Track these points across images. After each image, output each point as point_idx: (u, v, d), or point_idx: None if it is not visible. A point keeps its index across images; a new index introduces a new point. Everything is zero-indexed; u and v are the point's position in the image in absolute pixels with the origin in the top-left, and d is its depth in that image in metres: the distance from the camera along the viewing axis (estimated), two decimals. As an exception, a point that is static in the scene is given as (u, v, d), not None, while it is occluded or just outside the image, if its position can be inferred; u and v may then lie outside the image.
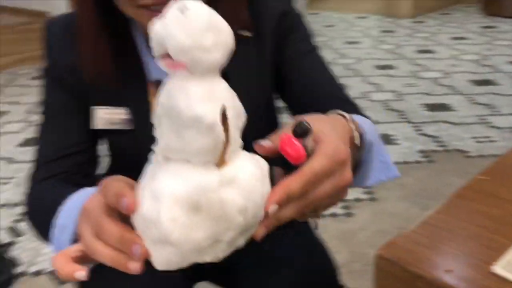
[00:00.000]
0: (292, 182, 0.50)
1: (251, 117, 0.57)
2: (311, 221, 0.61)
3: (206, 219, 0.45)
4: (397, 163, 2.32)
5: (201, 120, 0.43)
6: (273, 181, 0.51)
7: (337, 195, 0.55)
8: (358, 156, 0.65)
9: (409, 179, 2.24)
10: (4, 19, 4.82)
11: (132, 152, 0.81)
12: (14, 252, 1.97)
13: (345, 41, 4.83)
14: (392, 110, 3.06)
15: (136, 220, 0.47)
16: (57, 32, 0.85)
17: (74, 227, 0.61)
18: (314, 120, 0.55)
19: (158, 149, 0.48)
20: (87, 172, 0.85)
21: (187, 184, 0.44)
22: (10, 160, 2.74)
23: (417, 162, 2.41)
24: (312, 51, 0.90)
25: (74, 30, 0.80)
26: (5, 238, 2.01)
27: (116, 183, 0.49)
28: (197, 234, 0.45)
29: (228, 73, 0.67)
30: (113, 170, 0.91)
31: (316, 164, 0.51)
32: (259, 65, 0.85)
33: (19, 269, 1.90)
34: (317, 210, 0.56)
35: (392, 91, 3.38)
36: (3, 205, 2.29)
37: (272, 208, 0.49)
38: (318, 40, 0.93)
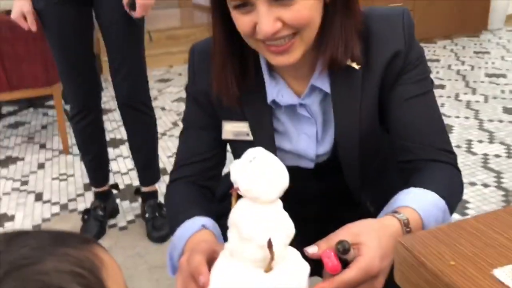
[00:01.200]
0: (326, 286, 0.66)
1: (356, 136, 0.89)
2: None
3: None
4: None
5: (254, 240, 0.62)
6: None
7: None
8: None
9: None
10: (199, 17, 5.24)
11: None
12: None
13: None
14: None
15: None
16: (198, 57, 0.99)
17: (178, 254, 0.83)
18: (362, 231, 0.70)
19: (227, 245, 0.68)
20: (212, 175, 1.02)
21: (242, 282, 0.64)
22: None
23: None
24: (422, 94, 0.91)
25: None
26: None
27: (198, 258, 0.69)
28: None
29: (332, 93, 0.90)
30: None
31: (346, 276, 0.66)
32: (364, 95, 0.90)
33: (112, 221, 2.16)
34: None
35: None
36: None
37: None
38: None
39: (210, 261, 0.70)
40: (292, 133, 0.97)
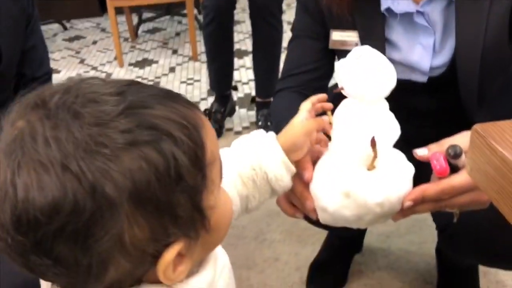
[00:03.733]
0: (429, 189, 0.64)
1: (479, 48, 0.83)
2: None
3: (352, 204, 0.64)
4: None
5: (360, 139, 0.62)
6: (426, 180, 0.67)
7: (475, 206, 0.67)
8: None
9: None
10: None
11: None
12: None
13: None
14: None
15: (311, 188, 0.68)
16: None
17: None
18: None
19: (331, 144, 0.69)
20: (318, 86, 0.99)
21: (344, 179, 0.64)
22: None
23: None
24: None
25: None
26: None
27: (305, 157, 0.68)
28: (345, 212, 0.65)
29: (457, 4, 0.83)
30: None
31: (455, 182, 0.63)
32: (495, 3, 0.81)
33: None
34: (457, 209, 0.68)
35: None
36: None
37: (407, 204, 0.65)
38: None
39: (315, 160, 0.71)
40: (405, 43, 0.90)
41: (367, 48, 0.66)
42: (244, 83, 2.68)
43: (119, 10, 3.16)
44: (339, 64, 0.67)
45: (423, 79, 0.92)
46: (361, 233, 1.43)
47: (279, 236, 1.56)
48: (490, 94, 0.91)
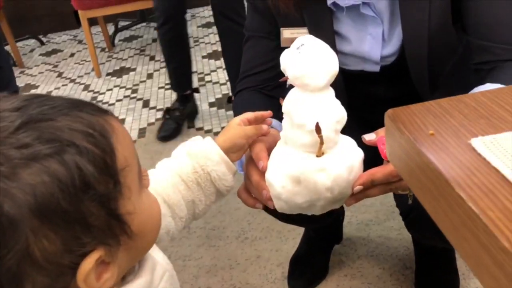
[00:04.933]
0: (377, 172, 0.65)
1: (425, 33, 0.82)
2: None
3: (304, 190, 0.66)
4: None
5: (305, 127, 0.64)
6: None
7: None
8: None
9: None
10: None
11: None
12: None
13: None
14: None
15: (266, 178, 0.69)
16: None
17: None
18: None
19: (282, 134, 0.70)
20: (277, 84, 0.96)
21: (294, 166, 0.65)
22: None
23: None
24: None
25: None
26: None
27: (259, 145, 0.72)
28: (297, 199, 0.67)
29: None
30: None
31: None
32: None
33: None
34: (409, 191, 0.68)
35: None
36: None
37: (357, 188, 0.66)
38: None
39: (271, 150, 0.72)
40: (354, 35, 0.91)
41: (309, 37, 0.67)
42: (222, 84, 2.68)
43: (94, 21, 3.15)
44: (283, 54, 0.67)
45: (375, 68, 0.93)
46: (338, 224, 1.43)
47: (260, 234, 1.57)
48: (442, 78, 0.92)
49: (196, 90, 2.39)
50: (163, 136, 2.20)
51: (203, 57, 3.07)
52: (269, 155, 0.71)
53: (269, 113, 0.78)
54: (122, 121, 2.46)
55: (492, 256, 0.27)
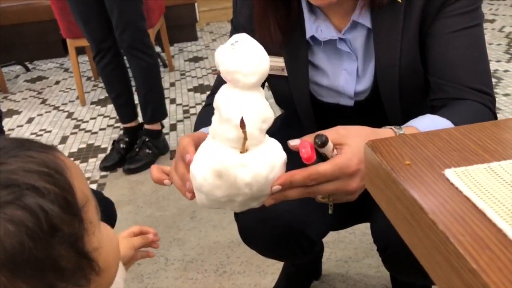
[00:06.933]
0: (296, 174, 0.67)
1: (396, 71, 0.87)
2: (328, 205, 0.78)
3: (224, 184, 0.67)
4: None
5: (231, 121, 0.65)
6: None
7: (342, 195, 0.71)
8: None
9: None
10: None
11: (285, 94, 0.99)
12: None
13: None
14: None
15: (190, 170, 0.70)
16: None
17: None
18: (349, 134, 0.70)
19: (210, 128, 0.70)
20: None
21: (217, 159, 0.67)
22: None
23: None
24: (466, 29, 0.85)
25: None
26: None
27: (187, 139, 0.74)
28: (217, 192, 0.68)
29: (374, 28, 0.89)
30: (277, 103, 1.09)
31: (321, 168, 0.67)
32: (405, 29, 0.87)
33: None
34: (328, 199, 0.72)
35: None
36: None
37: (275, 188, 0.68)
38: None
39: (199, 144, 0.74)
40: (330, 69, 0.95)
41: (244, 35, 0.68)
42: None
43: (81, 50, 3.17)
44: (218, 49, 0.68)
45: (350, 103, 0.96)
46: (317, 260, 1.43)
47: (239, 268, 1.55)
48: (415, 112, 0.95)
49: (141, 126, 2.39)
50: (104, 167, 2.25)
51: (189, 90, 3.10)
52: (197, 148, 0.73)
53: (153, 232, 0.87)
54: (104, 150, 2.46)
55: (462, 278, 0.29)
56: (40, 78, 3.58)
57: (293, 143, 0.70)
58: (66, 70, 3.70)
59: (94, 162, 2.34)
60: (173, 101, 2.94)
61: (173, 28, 3.53)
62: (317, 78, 0.96)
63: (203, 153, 0.69)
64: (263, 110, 0.67)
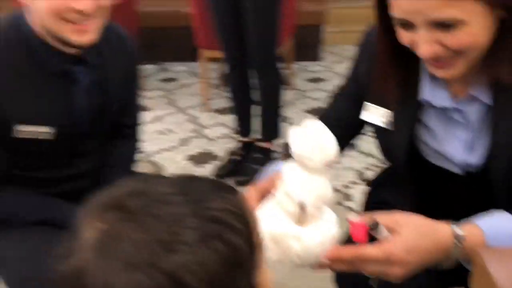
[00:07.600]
0: (344, 251, 0.76)
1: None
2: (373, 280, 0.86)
3: (278, 250, 0.76)
4: None
5: (293, 199, 0.74)
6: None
7: (385, 277, 0.75)
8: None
9: None
10: None
11: (386, 147, 1.02)
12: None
13: None
14: None
15: None
16: (371, 42, 1.01)
17: None
18: (404, 222, 0.75)
19: (276, 194, 0.78)
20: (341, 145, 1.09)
21: (277, 228, 0.76)
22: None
23: None
24: None
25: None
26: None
27: (252, 192, 0.83)
28: (270, 254, 0.76)
29: (495, 108, 0.86)
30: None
31: (367, 250, 0.73)
32: None
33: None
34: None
35: None
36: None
37: (324, 261, 0.77)
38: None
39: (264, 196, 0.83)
40: (441, 133, 0.94)
41: (318, 123, 0.76)
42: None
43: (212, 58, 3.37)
44: (292, 131, 0.76)
45: (457, 170, 0.94)
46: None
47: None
48: None
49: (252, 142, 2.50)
50: (218, 175, 2.40)
51: (307, 111, 3.15)
52: (263, 197, 0.82)
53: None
54: (217, 157, 2.60)
55: None
56: (170, 80, 3.85)
57: (352, 219, 0.77)
58: (195, 74, 3.93)
59: (208, 168, 2.50)
60: (287, 119, 3.01)
61: (296, 46, 3.60)
62: (426, 138, 0.96)
63: (266, 213, 0.78)
64: (323, 192, 0.76)
